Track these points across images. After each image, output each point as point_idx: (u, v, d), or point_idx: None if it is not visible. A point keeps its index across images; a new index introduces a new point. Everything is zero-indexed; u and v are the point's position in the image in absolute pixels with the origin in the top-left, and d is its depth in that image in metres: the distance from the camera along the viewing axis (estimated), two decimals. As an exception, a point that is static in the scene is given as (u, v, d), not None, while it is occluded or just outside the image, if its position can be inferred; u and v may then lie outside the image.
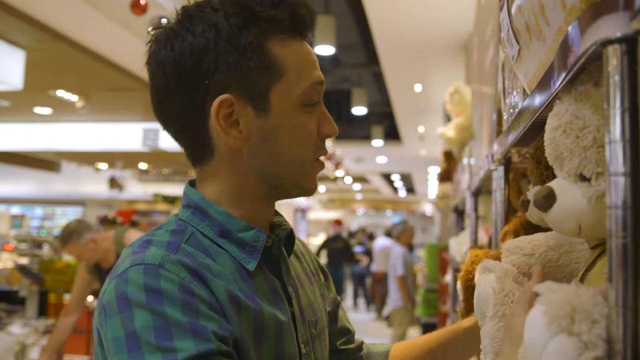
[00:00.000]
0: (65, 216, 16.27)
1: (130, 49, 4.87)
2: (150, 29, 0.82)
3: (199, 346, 0.65)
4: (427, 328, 5.12)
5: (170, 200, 15.03)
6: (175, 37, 0.76)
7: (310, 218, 21.27)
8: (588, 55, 0.48)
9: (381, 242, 9.74)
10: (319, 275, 1.01)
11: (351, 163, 14.40)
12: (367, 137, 12.15)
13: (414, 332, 6.84)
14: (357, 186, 21.07)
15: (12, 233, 8.79)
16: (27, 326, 4.02)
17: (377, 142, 11.73)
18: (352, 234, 15.92)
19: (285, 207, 15.44)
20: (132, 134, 8.85)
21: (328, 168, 12.00)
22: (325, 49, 5.88)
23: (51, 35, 4.50)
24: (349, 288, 11.79)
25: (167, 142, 8.59)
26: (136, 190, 15.64)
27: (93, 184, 15.18)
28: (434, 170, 12.60)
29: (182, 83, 0.76)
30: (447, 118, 4.12)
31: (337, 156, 11.75)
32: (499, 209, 1.23)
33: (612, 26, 0.43)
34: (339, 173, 13.17)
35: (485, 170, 1.39)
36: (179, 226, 0.80)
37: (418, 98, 7.67)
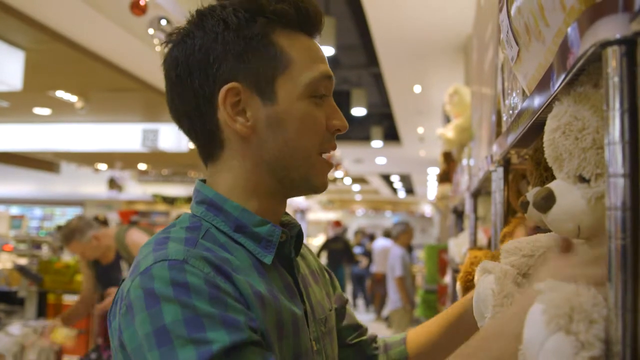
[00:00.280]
0: (65, 217, 16.24)
1: (130, 50, 4.87)
2: (167, 32, 0.85)
3: (232, 336, 0.65)
4: (427, 329, 5.10)
5: (170, 201, 15.03)
6: (187, 35, 0.80)
7: (309, 219, 21.25)
8: (587, 57, 0.48)
9: (381, 242, 9.74)
10: (324, 275, 1.02)
11: (350, 164, 14.40)
12: (367, 138, 12.15)
13: (413, 333, 6.82)
14: (356, 187, 21.07)
15: (11, 233, 8.78)
16: (26, 327, 4.01)
17: (377, 143, 11.73)
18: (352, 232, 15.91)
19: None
20: (132, 134, 8.84)
21: (327, 169, 12.00)
22: (325, 50, 5.89)
23: (51, 36, 4.50)
24: (349, 289, 11.79)
25: (167, 143, 8.59)
26: (135, 190, 15.63)
27: (92, 185, 15.18)
28: (434, 171, 12.60)
29: (192, 75, 0.79)
30: (447, 119, 4.13)
31: (337, 157, 11.75)
32: (498, 210, 1.23)
33: (611, 28, 0.43)
34: (339, 174, 13.17)
35: (485, 172, 1.39)
36: (193, 223, 0.80)
37: (417, 99, 7.67)
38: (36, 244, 6.04)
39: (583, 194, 0.58)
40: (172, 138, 8.52)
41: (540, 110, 0.68)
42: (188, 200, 13.61)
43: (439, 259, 5.09)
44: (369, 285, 10.99)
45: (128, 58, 5.27)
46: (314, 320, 0.85)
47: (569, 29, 0.52)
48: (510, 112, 1.00)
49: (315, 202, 21.97)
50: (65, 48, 4.77)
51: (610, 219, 0.44)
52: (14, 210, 15.46)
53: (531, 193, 0.83)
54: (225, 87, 0.77)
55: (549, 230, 0.84)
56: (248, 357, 0.65)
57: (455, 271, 2.66)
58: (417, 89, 7.13)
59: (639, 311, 0.42)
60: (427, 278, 5.68)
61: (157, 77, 5.79)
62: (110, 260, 3.18)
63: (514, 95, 0.96)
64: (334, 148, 0.83)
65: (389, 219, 24.89)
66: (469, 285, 1.15)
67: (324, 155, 0.82)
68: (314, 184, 0.82)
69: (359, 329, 1.05)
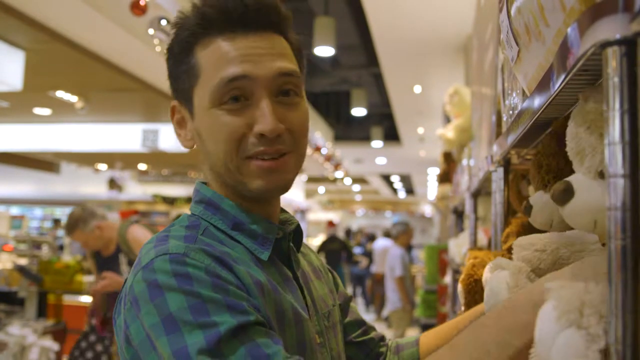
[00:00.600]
0: (65, 217, 16.24)
1: (130, 50, 4.87)
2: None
3: (238, 318, 0.66)
4: (427, 329, 5.11)
5: (170, 201, 15.03)
6: None
7: (309, 219, 21.25)
8: (587, 57, 0.48)
9: (381, 243, 9.74)
10: (326, 273, 1.03)
11: (350, 164, 14.40)
12: (367, 138, 12.15)
13: (412, 333, 6.83)
14: (356, 187, 21.07)
15: (11, 234, 8.78)
16: (26, 327, 4.01)
17: (377, 143, 11.73)
18: (349, 234, 15.91)
19: (284, 208, 15.39)
20: (132, 134, 8.85)
21: (327, 169, 12.00)
22: (325, 50, 5.88)
23: (51, 36, 4.50)
24: (349, 289, 11.79)
25: (167, 143, 8.59)
26: (135, 191, 15.63)
27: (92, 185, 15.18)
28: (434, 172, 12.60)
29: None
30: (447, 119, 4.12)
31: (337, 157, 11.74)
32: (498, 210, 1.23)
33: (611, 28, 0.43)
34: (339, 174, 13.17)
35: (485, 172, 1.39)
36: (192, 222, 0.81)
37: (417, 99, 7.67)
38: (36, 244, 6.04)
39: (603, 190, 0.59)
40: (172, 138, 8.51)
41: (541, 111, 0.68)
42: (188, 200, 13.60)
43: (439, 259, 5.08)
44: (369, 286, 10.99)
45: (128, 58, 5.26)
46: (316, 314, 0.86)
47: (569, 29, 0.52)
48: (510, 112, 1.00)
49: (315, 202, 21.97)
50: (65, 48, 4.77)
51: (610, 219, 0.44)
52: (14, 210, 15.46)
53: (533, 198, 0.83)
54: (171, 104, 0.84)
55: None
56: (255, 336, 0.66)
57: (456, 271, 2.66)
58: (417, 89, 7.13)
59: (639, 312, 0.42)
60: (427, 278, 5.67)
61: (157, 77, 5.79)
62: (110, 252, 3.23)
63: (514, 95, 0.96)
64: (268, 152, 0.77)
65: (389, 219, 24.89)
66: (470, 288, 1.14)
67: (257, 160, 0.78)
68: (251, 188, 0.79)
69: (363, 325, 1.05)
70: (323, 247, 10.00)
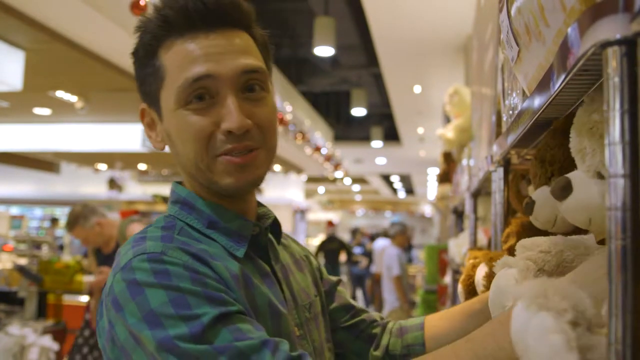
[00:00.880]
0: (64, 217, 16.24)
1: (130, 50, 4.86)
2: None
3: (219, 309, 0.67)
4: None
5: (170, 201, 15.00)
6: None
7: (309, 219, 21.25)
8: (587, 57, 0.48)
9: (381, 243, 9.75)
10: (310, 262, 1.03)
11: (350, 164, 14.40)
12: (367, 138, 12.15)
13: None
14: (356, 187, 21.07)
15: (11, 234, 8.78)
16: (26, 327, 4.01)
17: (377, 143, 11.73)
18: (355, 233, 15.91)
19: (284, 208, 15.44)
20: (132, 134, 8.84)
21: (327, 169, 12.00)
22: (325, 50, 5.88)
23: (51, 36, 4.50)
24: (348, 288, 11.79)
25: (167, 143, 8.57)
26: (135, 191, 15.64)
27: (92, 185, 15.18)
28: (433, 172, 12.60)
29: None
30: (447, 119, 4.12)
31: (337, 157, 11.74)
32: (498, 210, 1.23)
33: (611, 28, 0.43)
34: (338, 174, 13.17)
35: (485, 172, 1.39)
36: (167, 222, 0.82)
37: (417, 99, 7.67)
38: (36, 244, 6.04)
39: (600, 190, 0.61)
40: (172, 138, 8.50)
41: (541, 111, 0.68)
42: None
43: (439, 259, 5.08)
44: (369, 286, 10.99)
45: (128, 58, 5.19)
46: (296, 307, 0.87)
47: (569, 29, 0.52)
48: (510, 112, 1.00)
49: (315, 202, 21.97)
50: (65, 48, 4.77)
51: (610, 220, 0.44)
52: (14, 210, 15.45)
53: (536, 193, 0.83)
54: (140, 108, 0.85)
55: (551, 234, 0.84)
56: (239, 323, 0.68)
57: (456, 272, 2.66)
58: (417, 89, 7.13)
59: (639, 312, 0.42)
60: (427, 278, 5.67)
61: (157, 77, 5.78)
62: (111, 250, 3.26)
63: (514, 95, 0.96)
64: (237, 149, 0.78)
65: (389, 219, 24.90)
66: (471, 289, 1.14)
67: (226, 157, 0.78)
68: (222, 186, 0.80)
69: (352, 309, 1.05)
70: (322, 247, 10.06)
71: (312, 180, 16.46)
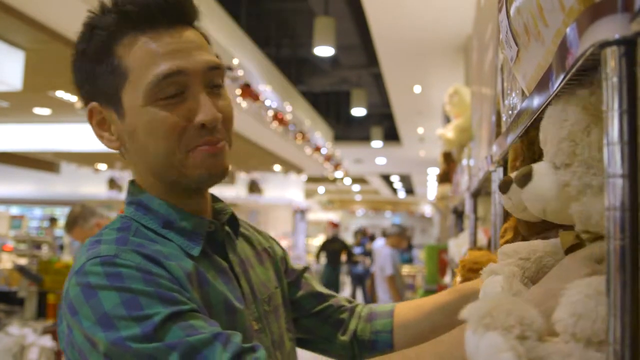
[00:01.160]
0: (63, 216, 16.23)
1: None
2: None
3: (171, 308, 0.69)
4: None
5: (170, 201, 15.00)
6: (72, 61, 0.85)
7: (309, 219, 21.26)
8: (586, 57, 0.48)
9: (380, 243, 9.78)
10: (274, 252, 1.04)
11: (350, 164, 14.41)
12: (367, 138, 12.15)
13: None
14: (356, 187, 21.07)
15: (11, 234, 8.78)
16: (25, 327, 4.01)
17: (377, 143, 11.73)
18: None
19: (284, 208, 15.44)
20: (132, 134, 8.84)
21: (327, 169, 12.01)
22: (325, 50, 5.88)
23: (51, 36, 4.50)
24: (348, 289, 11.80)
25: (167, 143, 8.57)
26: (135, 191, 15.63)
27: (92, 185, 15.18)
28: (433, 172, 12.60)
29: (79, 97, 0.86)
30: (447, 119, 4.12)
31: (337, 157, 11.74)
32: (498, 210, 1.23)
33: (610, 28, 0.43)
34: (338, 174, 13.17)
35: (485, 172, 1.39)
36: (123, 224, 0.83)
37: (417, 99, 7.67)
38: (36, 244, 6.04)
39: (554, 180, 0.62)
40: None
41: (540, 111, 0.68)
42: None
43: (439, 259, 5.08)
44: (369, 285, 11.00)
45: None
46: (254, 301, 0.88)
47: (568, 30, 0.52)
48: (510, 112, 1.00)
49: (315, 202, 21.97)
50: (65, 48, 4.76)
51: (609, 220, 0.44)
52: (14, 210, 15.46)
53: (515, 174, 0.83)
54: (88, 107, 0.83)
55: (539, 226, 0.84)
56: (191, 320, 0.69)
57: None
58: (417, 89, 7.13)
59: (638, 312, 0.42)
60: (427, 278, 5.67)
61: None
62: None
63: (514, 95, 0.96)
64: (209, 142, 0.80)
65: (389, 220, 24.89)
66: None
67: (200, 148, 0.80)
68: (194, 178, 0.81)
69: (319, 296, 1.07)
70: (324, 247, 10.22)
71: (312, 180, 16.46)
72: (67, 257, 5.50)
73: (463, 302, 0.97)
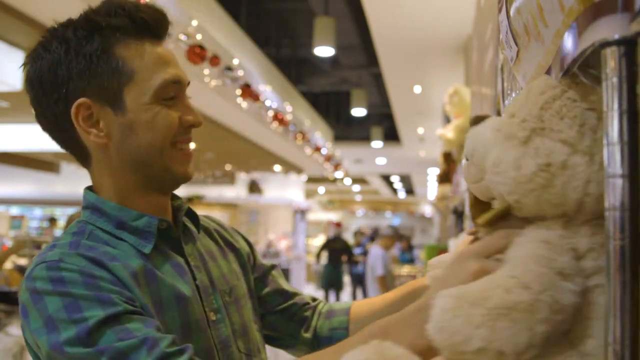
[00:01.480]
0: (65, 217, 16.22)
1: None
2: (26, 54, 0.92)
3: (107, 310, 0.73)
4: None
5: (170, 201, 15.00)
6: (37, 57, 0.87)
7: (309, 219, 21.25)
8: (586, 57, 0.48)
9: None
10: (240, 247, 1.09)
11: (350, 164, 14.40)
12: (367, 139, 12.15)
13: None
14: (356, 187, 21.07)
15: (11, 234, 8.78)
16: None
17: (377, 144, 11.73)
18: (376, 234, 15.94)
19: (284, 208, 15.44)
20: (132, 134, 8.84)
21: (327, 169, 12.01)
22: (325, 50, 5.89)
23: (51, 36, 4.50)
24: (348, 288, 11.80)
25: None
26: (135, 191, 15.64)
27: (92, 185, 15.18)
28: (434, 172, 12.61)
29: (47, 95, 0.87)
30: (447, 119, 4.12)
31: (337, 157, 11.74)
32: (497, 210, 1.22)
33: (610, 28, 0.43)
34: (339, 174, 13.17)
35: (484, 172, 1.39)
36: (79, 228, 0.88)
37: (417, 99, 7.67)
38: (36, 244, 6.03)
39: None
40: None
41: (540, 111, 0.68)
42: (187, 200, 13.63)
43: (439, 259, 5.09)
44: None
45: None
46: (213, 293, 0.93)
47: (568, 30, 0.52)
48: (510, 112, 1.00)
49: (315, 202, 21.98)
50: (65, 48, 4.77)
51: (609, 220, 0.44)
52: (14, 210, 15.46)
53: None
54: (75, 103, 0.85)
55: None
56: (127, 324, 0.74)
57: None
58: (417, 89, 7.13)
59: (637, 312, 0.42)
60: (427, 278, 5.68)
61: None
62: None
63: (514, 95, 0.96)
64: (189, 141, 0.91)
65: (389, 220, 24.90)
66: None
67: (180, 146, 0.90)
68: (175, 173, 0.89)
69: (285, 294, 1.11)
70: (326, 246, 10.40)
71: (312, 180, 16.46)
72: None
73: (410, 297, 1.01)
